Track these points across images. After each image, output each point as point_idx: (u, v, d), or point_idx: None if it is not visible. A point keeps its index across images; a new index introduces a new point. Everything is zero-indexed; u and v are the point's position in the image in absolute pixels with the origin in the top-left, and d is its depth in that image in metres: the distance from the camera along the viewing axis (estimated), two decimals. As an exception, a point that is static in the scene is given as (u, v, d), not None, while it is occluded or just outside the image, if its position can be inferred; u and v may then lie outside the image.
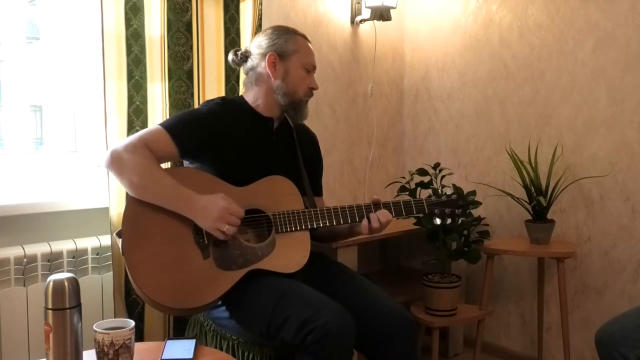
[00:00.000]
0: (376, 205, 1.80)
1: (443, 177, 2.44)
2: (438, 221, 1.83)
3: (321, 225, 1.77)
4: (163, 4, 2.06)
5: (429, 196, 1.88)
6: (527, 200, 2.42)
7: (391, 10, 2.79)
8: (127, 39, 2.00)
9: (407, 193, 2.43)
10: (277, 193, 1.79)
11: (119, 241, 1.67)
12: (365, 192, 3.00)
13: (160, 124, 1.75)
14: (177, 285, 1.61)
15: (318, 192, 2.02)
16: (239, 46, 2.26)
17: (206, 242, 1.65)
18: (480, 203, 2.45)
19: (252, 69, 1.87)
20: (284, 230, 1.74)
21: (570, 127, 2.54)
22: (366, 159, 3.01)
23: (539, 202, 2.35)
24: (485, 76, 2.83)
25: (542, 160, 2.51)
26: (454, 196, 1.85)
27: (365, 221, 1.78)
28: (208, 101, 1.88)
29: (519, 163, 2.45)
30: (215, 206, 1.62)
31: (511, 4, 2.70)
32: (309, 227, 1.77)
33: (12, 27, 2.11)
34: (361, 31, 2.93)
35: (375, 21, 2.85)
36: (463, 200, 1.86)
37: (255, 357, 1.72)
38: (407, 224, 2.50)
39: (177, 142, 1.71)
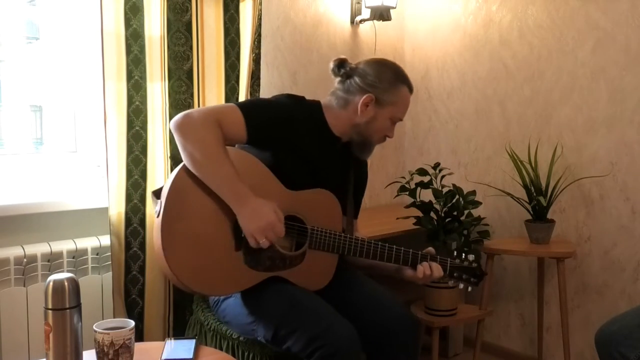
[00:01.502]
0: (413, 253, 1.80)
1: (443, 177, 2.44)
2: (451, 282, 1.85)
3: (351, 254, 1.76)
4: (163, 4, 2.06)
5: (455, 257, 1.85)
6: (527, 200, 2.42)
7: (391, 10, 2.79)
8: (127, 39, 2.00)
9: (407, 193, 2.43)
10: (322, 208, 1.75)
11: (156, 202, 1.62)
12: (365, 192, 2.99)
13: (237, 104, 1.70)
14: (201, 268, 1.59)
15: (355, 214, 2.00)
16: (239, 46, 2.25)
17: (243, 234, 1.62)
18: (480, 203, 2.45)
19: (347, 92, 1.79)
20: (317, 247, 1.72)
21: (570, 127, 2.54)
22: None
23: (539, 202, 2.35)
24: (485, 76, 2.82)
25: (542, 160, 2.51)
26: (474, 264, 1.85)
27: (420, 268, 1.78)
28: (288, 96, 1.81)
29: (519, 163, 2.45)
30: (265, 215, 1.58)
31: (511, 4, 2.70)
32: (340, 252, 1.75)
33: (12, 27, 2.11)
34: (361, 31, 2.93)
35: (375, 21, 2.85)
36: (480, 271, 1.85)
37: (256, 357, 1.72)
38: (407, 223, 2.49)
39: (248, 125, 1.66)
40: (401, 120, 1.85)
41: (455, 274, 1.83)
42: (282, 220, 1.62)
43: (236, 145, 1.74)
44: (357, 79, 1.78)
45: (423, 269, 1.77)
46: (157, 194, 1.64)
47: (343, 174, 1.89)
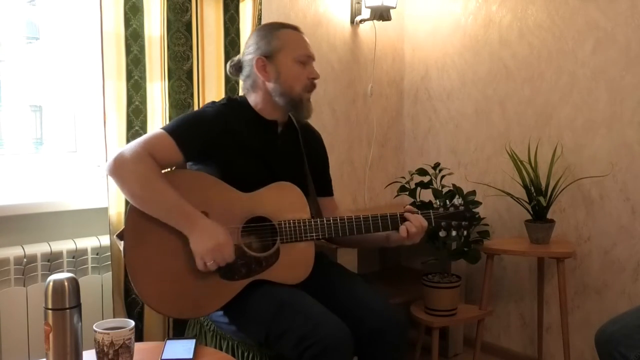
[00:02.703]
0: (391, 216, 1.75)
1: (443, 177, 2.44)
2: (443, 234, 1.79)
3: (326, 236, 1.74)
4: (163, 4, 2.06)
5: (437, 207, 1.81)
6: (527, 200, 2.42)
7: (391, 10, 2.79)
8: (127, 39, 2.00)
9: (407, 193, 2.43)
10: (284, 201, 1.74)
11: (120, 244, 1.65)
12: (365, 192, 3.00)
13: (164, 128, 1.70)
14: (178, 296, 1.60)
15: (328, 192, 1.98)
16: (239, 46, 2.26)
17: None
18: (480, 203, 2.45)
19: (248, 76, 1.81)
20: (289, 240, 1.70)
21: (570, 127, 2.54)
22: (366, 159, 3.01)
23: (538, 202, 2.35)
24: (485, 76, 2.83)
25: (542, 160, 2.51)
26: (461, 207, 1.79)
27: (402, 228, 1.73)
28: (213, 102, 1.82)
29: (519, 163, 2.45)
30: (214, 238, 1.57)
31: (511, 4, 2.70)
32: (314, 237, 1.73)
33: (12, 27, 2.11)
34: (361, 31, 2.93)
35: (375, 21, 2.85)
36: (470, 212, 1.80)
37: (255, 357, 1.72)
38: (407, 224, 2.49)
39: (181, 147, 1.66)
40: (309, 56, 1.79)
41: (442, 224, 1.78)
42: (232, 244, 1.61)
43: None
44: (245, 60, 1.81)
45: (406, 227, 1.73)
46: (120, 236, 1.65)
47: (295, 158, 1.86)
